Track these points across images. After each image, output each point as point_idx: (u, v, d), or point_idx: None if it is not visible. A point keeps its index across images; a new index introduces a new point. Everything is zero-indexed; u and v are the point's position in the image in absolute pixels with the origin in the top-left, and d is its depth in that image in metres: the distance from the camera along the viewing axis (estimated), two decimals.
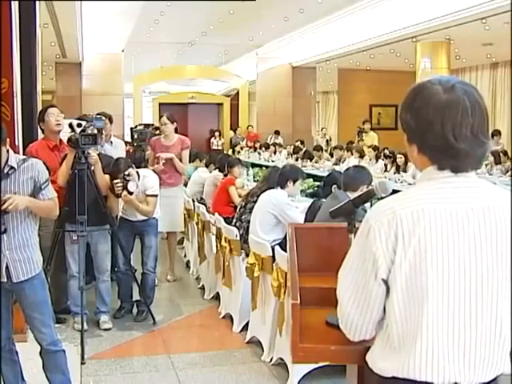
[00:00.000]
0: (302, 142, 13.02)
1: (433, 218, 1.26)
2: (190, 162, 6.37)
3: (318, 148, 11.34)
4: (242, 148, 15.09)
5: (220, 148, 15.91)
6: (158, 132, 6.65)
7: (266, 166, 9.59)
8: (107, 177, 4.27)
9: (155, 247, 4.70)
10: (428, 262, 1.25)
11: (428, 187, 1.32)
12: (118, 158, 4.51)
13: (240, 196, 5.78)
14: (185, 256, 6.72)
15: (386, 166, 8.97)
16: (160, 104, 16.71)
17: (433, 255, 1.25)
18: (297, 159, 11.14)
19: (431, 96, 1.32)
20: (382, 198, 1.45)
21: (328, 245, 2.10)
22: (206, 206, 5.98)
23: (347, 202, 1.80)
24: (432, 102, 1.31)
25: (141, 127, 6.81)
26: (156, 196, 4.62)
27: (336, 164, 10.11)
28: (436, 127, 1.30)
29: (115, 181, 4.28)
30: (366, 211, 1.42)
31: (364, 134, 11.90)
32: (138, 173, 4.53)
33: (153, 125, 8.60)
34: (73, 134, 4.03)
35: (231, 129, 17.50)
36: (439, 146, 1.30)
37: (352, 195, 3.21)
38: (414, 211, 1.27)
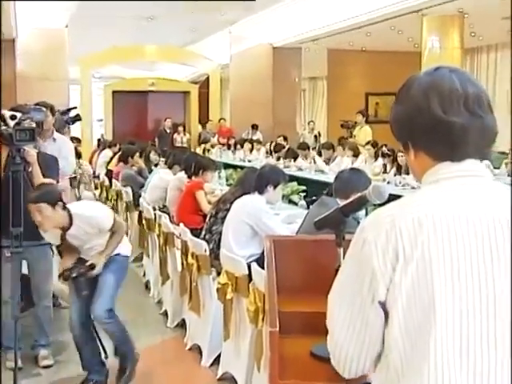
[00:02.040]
0: (285, 139, 13.10)
1: (438, 225, 1.27)
2: (145, 163, 6.26)
3: (304, 146, 11.41)
4: (212, 145, 15.13)
5: (185, 145, 15.92)
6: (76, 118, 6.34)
7: (242, 167, 9.60)
8: (48, 181, 4.24)
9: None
10: (434, 277, 1.26)
11: (431, 191, 1.34)
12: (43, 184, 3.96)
13: (210, 203, 5.79)
14: (144, 275, 6.70)
15: (385, 166, 9.06)
16: (113, 92, 16.68)
17: (440, 269, 1.26)
18: (278, 159, 11.18)
19: (413, 81, 1.40)
20: (379, 205, 1.47)
21: (314, 261, 2.13)
22: (169, 214, 5.97)
23: (335, 211, 1.82)
24: (414, 86, 1.39)
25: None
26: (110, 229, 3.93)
27: (326, 164, 10.17)
28: (423, 108, 1.35)
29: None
30: (358, 222, 1.44)
31: (354, 129, 11.93)
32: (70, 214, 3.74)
33: (75, 108, 7.40)
34: (5, 128, 3.99)
35: (200, 122, 17.52)
36: (430, 127, 1.35)
37: (343, 202, 3.25)
38: (415, 218, 1.28)
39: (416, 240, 1.27)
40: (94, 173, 11.28)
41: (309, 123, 17.51)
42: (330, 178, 7.52)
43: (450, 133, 1.33)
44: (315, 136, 16.44)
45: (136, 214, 7.01)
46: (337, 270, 1.41)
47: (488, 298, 1.28)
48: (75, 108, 7.44)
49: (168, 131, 16.27)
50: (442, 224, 1.28)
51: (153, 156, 9.22)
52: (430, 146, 1.36)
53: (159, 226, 5.64)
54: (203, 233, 4.91)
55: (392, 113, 1.45)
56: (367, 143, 10.05)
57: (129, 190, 7.77)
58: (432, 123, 1.34)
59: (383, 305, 1.31)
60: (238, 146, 13.71)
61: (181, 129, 16.33)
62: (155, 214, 5.94)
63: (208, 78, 17.51)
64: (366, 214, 3.59)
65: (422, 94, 1.36)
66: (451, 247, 1.27)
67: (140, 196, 7.24)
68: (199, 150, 14.35)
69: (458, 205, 1.30)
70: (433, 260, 1.26)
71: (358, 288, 1.32)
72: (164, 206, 6.69)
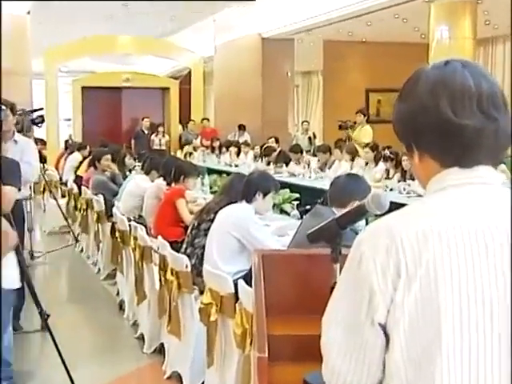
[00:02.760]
0: (277, 141, 13.14)
1: (445, 239, 1.27)
2: (119, 168, 6.26)
3: (297, 149, 11.44)
4: (195, 148, 15.14)
5: (164, 148, 15.92)
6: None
7: (227, 173, 9.61)
8: (9, 189, 4.22)
9: None
10: (440, 298, 1.26)
11: (437, 200, 1.35)
12: None
13: (192, 213, 5.78)
14: (117, 294, 6.68)
15: (387, 171, 9.10)
16: (83, 88, 16.63)
17: (447, 288, 1.26)
18: (269, 163, 11.22)
19: (420, 76, 1.40)
20: (381, 215, 1.48)
21: (307, 278, 2.14)
22: (145, 226, 5.97)
23: (330, 222, 1.82)
24: (421, 81, 1.39)
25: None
26: None
27: (321, 169, 10.20)
28: (430, 107, 1.35)
29: None
30: (357, 233, 1.45)
31: (354, 130, 11.94)
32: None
33: (41, 109, 7.50)
34: None
35: (180, 122, 17.52)
36: (437, 129, 1.34)
37: (339, 212, 3.26)
38: (420, 231, 1.28)
39: (420, 256, 1.27)
40: (60, 179, 11.24)
41: (302, 123, 17.51)
42: (326, 184, 7.53)
43: (460, 136, 1.33)
44: (309, 138, 16.44)
45: (109, 226, 6.99)
46: (332, 289, 1.41)
47: (503, 325, 1.26)
48: (42, 109, 7.44)
49: (145, 132, 16.27)
50: (449, 238, 1.27)
51: (128, 160, 9.22)
52: (436, 150, 1.36)
53: (135, 238, 5.62)
54: (184, 246, 4.90)
55: (395, 111, 1.45)
56: (366, 145, 10.03)
57: (100, 198, 7.75)
58: (440, 125, 1.34)
59: (383, 327, 1.31)
60: (224, 149, 13.73)
61: (160, 129, 16.33)
62: (130, 226, 5.92)
63: (190, 73, 17.53)
64: (367, 224, 3.60)
65: (429, 92, 1.36)
66: (459, 265, 1.26)
67: (113, 205, 7.23)
68: (180, 154, 14.38)
69: (467, 216, 1.30)
70: (439, 279, 1.26)
71: (355, 309, 1.32)
72: (140, 217, 6.68)
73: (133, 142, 16.00)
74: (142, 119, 16.39)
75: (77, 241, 9.07)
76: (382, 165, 9.32)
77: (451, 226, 1.29)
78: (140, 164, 8.58)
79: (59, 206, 9.15)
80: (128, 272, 6.10)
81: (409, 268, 1.27)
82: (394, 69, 14.87)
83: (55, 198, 9.35)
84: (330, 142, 11.98)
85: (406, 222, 1.31)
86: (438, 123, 1.34)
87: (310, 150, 13.72)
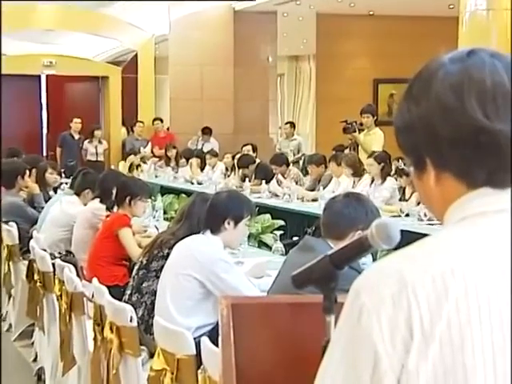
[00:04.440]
0: (254, 149, 13.14)
1: (471, 285, 1.28)
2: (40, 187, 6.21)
3: (281, 160, 11.44)
4: (143, 159, 15.08)
5: (101, 159, 15.90)
6: None
7: (187, 193, 9.64)
8: None
9: None
10: (468, 362, 1.26)
11: (461, 232, 1.36)
12: None
13: (140, 247, 5.79)
14: (35, 360, 6.64)
15: (402, 190, 9.14)
16: None
17: (475, 350, 1.27)
18: (243, 179, 11.20)
19: (435, 71, 1.42)
20: (393, 249, 1.51)
21: (291, 335, 2.13)
22: (75, 265, 5.94)
23: (322, 259, 1.82)
24: (438, 77, 1.41)
25: None
26: None
27: (312, 189, 10.23)
28: (452, 109, 1.37)
29: None
30: (359, 272, 1.46)
31: (358, 134, 11.85)
32: None
33: None
34: None
35: (124, 124, 17.49)
36: (464, 138, 1.36)
37: (336, 246, 3.30)
38: (438, 276, 1.29)
39: (440, 309, 1.27)
40: None
41: (286, 125, 17.37)
42: (319, 209, 7.59)
43: (494, 146, 1.35)
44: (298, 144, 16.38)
45: (24, 265, 6.95)
46: (325, 349, 1.40)
47: None
48: None
49: (75, 137, 16.17)
50: (477, 284, 1.28)
51: (51, 175, 9.15)
52: (462, 166, 1.38)
53: (60, 282, 5.60)
54: (128, 292, 4.90)
55: (400, 116, 1.47)
56: (370, 155, 9.84)
57: (13, 227, 7.71)
58: (468, 132, 1.35)
59: None
60: (183, 161, 13.73)
61: (96, 134, 16.20)
62: (54, 265, 5.90)
63: (136, 57, 17.52)
64: (374, 261, 3.61)
65: (451, 90, 1.37)
66: (491, 319, 1.27)
67: (31, 237, 7.18)
68: (123, 167, 14.31)
69: (501, 255, 1.31)
70: (465, 338, 1.27)
71: (354, 378, 1.32)
72: (68, 253, 6.66)
73: (58, 150, 15.95)
74: (71, 120, 16.26)
75: None
76: (393, 181, 9.35)
77: (480, 267, 1.30)
78: (68, 181, 8.56)
79: None
80: (50, 329, 6.06)
81: (424, 324, 1.27)
82: (411, 52, 14.91)
83: None
84: (325, 151, 11.94)
85: (419, 264, 1.32)
86: (464, 130, 1.35)
87: (296, 162, 13.74)
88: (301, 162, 14.18)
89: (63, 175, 9.48)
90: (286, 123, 17.24)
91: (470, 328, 1.26)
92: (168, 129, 16.84)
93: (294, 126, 16.87)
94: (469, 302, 1.27)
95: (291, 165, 11.93)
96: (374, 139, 11.70)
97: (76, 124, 16.23)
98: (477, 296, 1.27)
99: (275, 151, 14.02)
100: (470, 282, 1.28)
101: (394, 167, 9.48)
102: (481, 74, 1.37)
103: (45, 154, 16.66)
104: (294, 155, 14.56)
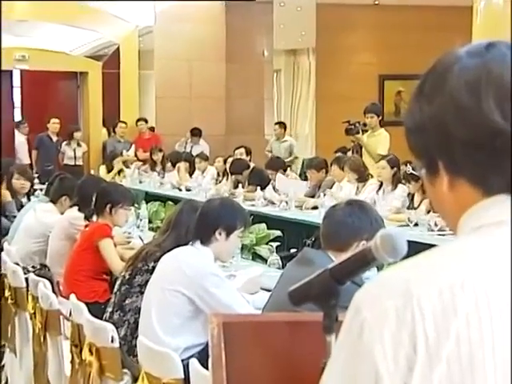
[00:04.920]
0: (248, 152, 13.16)
1: (483, 299, 1.28)
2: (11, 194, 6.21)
3: (278, 164, 11.50)
4: (126, 163, 15.07)
5: (80, 163, 15.92)
6: None
7: (175, 200, 9.63)
8: None
9: None
10: (478, 381, 1.26)
11: (473, 242, 1.36)
12: None
13: (123, 259, 5.79)
14: None
15: (411, 196, 9.14)
16: None
17: (487, 371, 1.27)
18: (236, 186, 11.25)
19: (450, 65, 1.42)
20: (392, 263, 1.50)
21: (288, 355, 2.14)
22: (51, 280, 5.93)
23: (322, 274, 1.83)
24: (453, 73, 1.41)
25: None
26: None
27: (312, 196, 10.24)
28: (468, 109, 1.37)
29: None
30: (361, 286, 1.45)
31: (361, 136, 11.79)
32: None
33: None
34: None
35: (105, 125, 17.50)
36: (481, 140, 1.36)
37: (338, 258, 3.29)
38: (446, 288, 1.29)
39: (447, 324, 1.28)
40: None
41: (277, 125, 17.35)
42: (319, 218, 7.57)
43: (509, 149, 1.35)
44: (289, 146, 16.36)
45: None
46: (323, 369, 1.41)
47: None
48: None
49: (53, 139, 16.17)
50: (489, 298, 1.28)
51: (17, 181, 9.10)
52: (479, 171, 1.38)
53: (34, 299, 5.60)
54: (110, 310, 4.90)
55: (412, 115, 1.47)
56: (382, 158, 9.74)
57: None
58: (485, 134, 1.36)
59: None
60: (169, 165, 13.75)
61: (75, 135, 16.20)
62: (27, 280, 5.90)
63: (118, 51, 17.54)
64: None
65: (467, 88, 1.37)
66: (504, 336, 1.27)
67: (2, 249, 7.19)
68: (104, 172, 14.30)
69: None
70: (475, 357, 1.27)
71: None
72: (43, 266, 6.65)
73: (34, 153, 16.01)
74: (48, 120, 16.29)
75: None
76: (404, 189, 9.34)
77: (494, 280, 1.30)
78: (43, 187, 8.55)
79: None
80: (23, 350, 6.06)
81: (429, 341, 1.28)
82: (420, 45, 15.04)
83: None
84: (326, 154, 11.94)
85: (425, 275, 1.32)
86: (480, 132, 1.36)
87: (288, 166, 13.75)
88: (299, 166, 14.19)
89: (37, 181, 9.43)
90: (276, 123, 17.20)
91: (481, 345, 1.26)
92: (153, 130, 16.83)
93: (285, 127, 16.88)
94: (480, 317, 1.27)
95: (288, 169, 11.93)
96: (379, 141, 11.60)
97: (54, 125, 16.27)
98: (489, 311, 1.27)
99: (272, 153, 14.01)
100: (481, 295, 1.28)
101: (401, 172, 9.44)
102: (500, 72, 1.37)
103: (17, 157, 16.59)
104: (285, 158, 14.55)
